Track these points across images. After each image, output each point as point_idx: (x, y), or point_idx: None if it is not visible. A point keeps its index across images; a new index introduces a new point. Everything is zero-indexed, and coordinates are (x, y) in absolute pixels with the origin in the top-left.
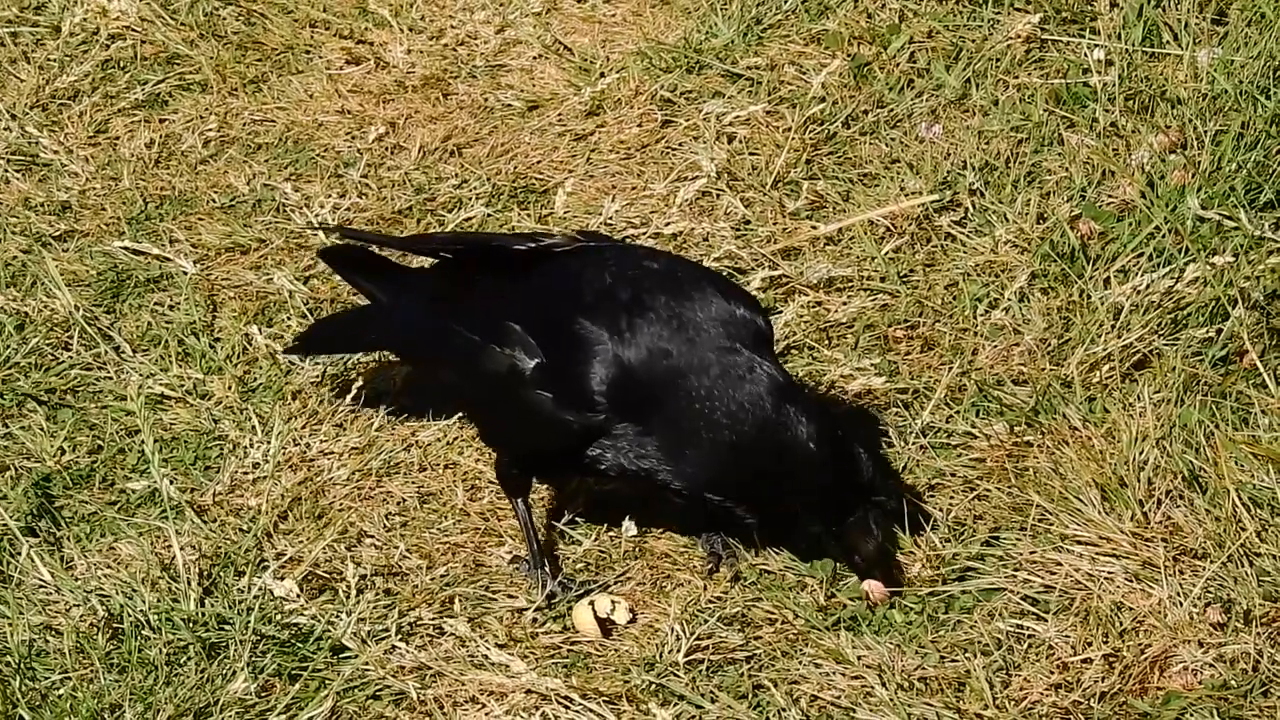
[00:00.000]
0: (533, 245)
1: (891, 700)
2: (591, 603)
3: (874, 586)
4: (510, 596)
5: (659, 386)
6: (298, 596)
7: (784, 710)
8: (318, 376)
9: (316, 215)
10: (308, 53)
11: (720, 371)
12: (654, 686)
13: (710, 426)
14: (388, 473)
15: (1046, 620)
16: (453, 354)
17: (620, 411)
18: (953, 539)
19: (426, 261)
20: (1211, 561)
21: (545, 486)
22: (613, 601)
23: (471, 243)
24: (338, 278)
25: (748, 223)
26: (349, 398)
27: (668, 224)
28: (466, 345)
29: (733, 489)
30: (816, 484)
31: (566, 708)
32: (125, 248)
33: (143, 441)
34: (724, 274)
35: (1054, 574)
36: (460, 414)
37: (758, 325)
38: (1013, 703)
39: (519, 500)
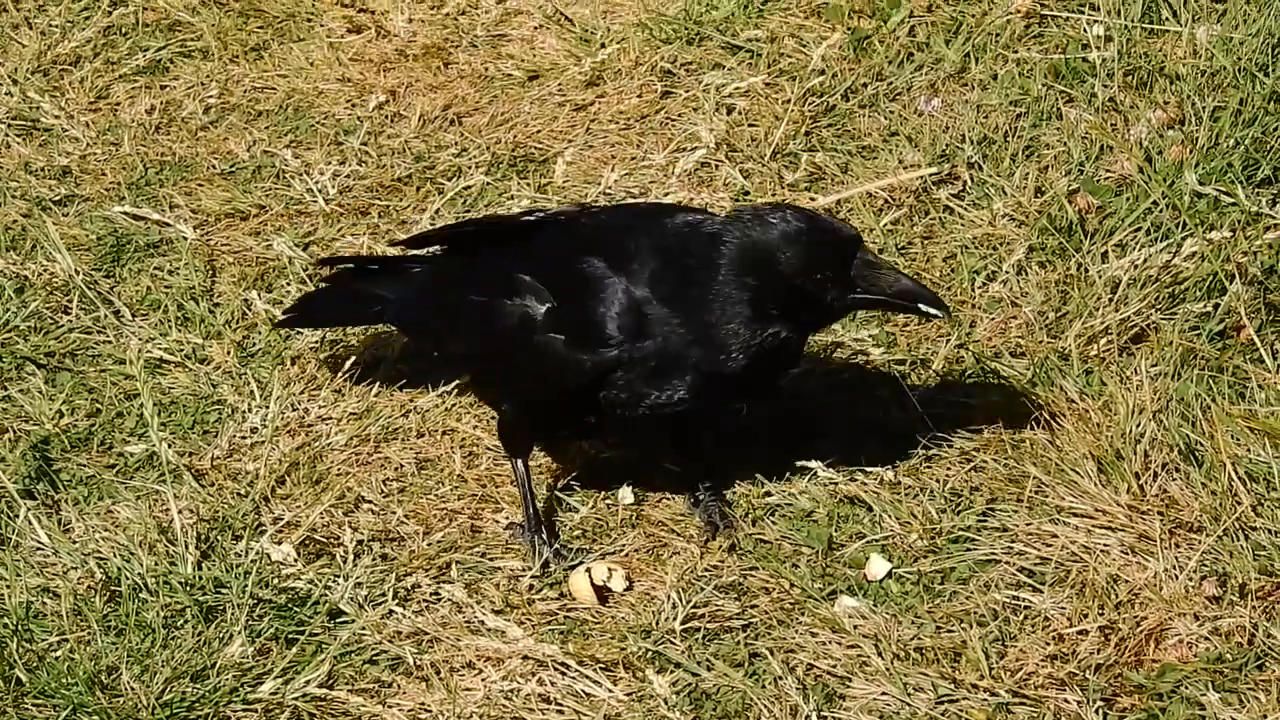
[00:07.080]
0: (537, 216)
1: (887, 670)
2: (588, 570)
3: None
4: (507, 563)
5: (664, 298)
6: (295, 561)
7: (780, 678)
8: (317, 342)
9: (316, 182)
10: (309, 20)
11: (690, 231)
12: (650, 654)
13: (704, 276)
14: (386, 439)
15: (1042, 592)
16: (463, 319)
17: (635, 338)
18: (949, 510)
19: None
20: (1207, 535)
21: (543, 453)
22: (609, 569)
23: (475, 221)
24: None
25: (747, 194)
26: (348, 364)
27: (667, 194)
28: (477, 306)
29: (761, 306)
30: (808, 256)
31: (563, 674)
32: (125, 213)
33: (141, 405)
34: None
35: (1050, 546)
36: (465, 381)
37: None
38: (1008, 673)
39: (519, 461)
